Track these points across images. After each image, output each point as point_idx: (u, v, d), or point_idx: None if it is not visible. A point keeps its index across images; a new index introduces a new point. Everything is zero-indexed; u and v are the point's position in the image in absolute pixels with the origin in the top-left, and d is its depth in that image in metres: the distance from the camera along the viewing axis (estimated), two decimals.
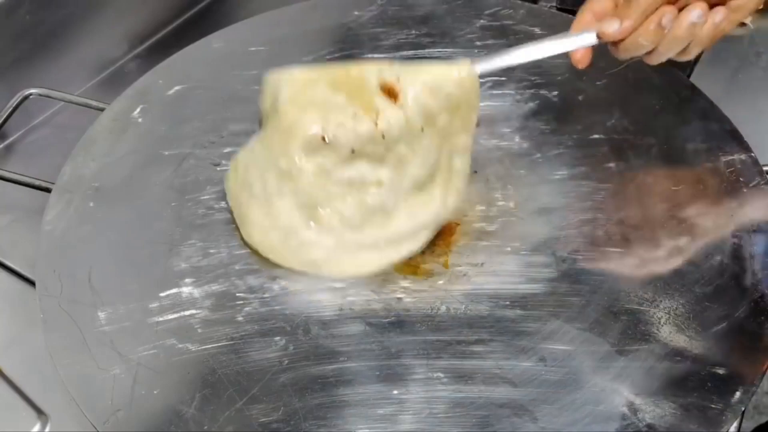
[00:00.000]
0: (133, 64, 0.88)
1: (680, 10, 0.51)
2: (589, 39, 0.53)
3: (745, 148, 0.63)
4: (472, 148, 0.58)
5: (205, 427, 0.49)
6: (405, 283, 0.56)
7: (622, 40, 0.52)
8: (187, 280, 0.57)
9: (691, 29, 0.51)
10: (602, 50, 0.57)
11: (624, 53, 0.53)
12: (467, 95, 0.56)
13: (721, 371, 0.50)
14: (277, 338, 0.53)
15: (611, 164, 0.63)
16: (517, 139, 0.65)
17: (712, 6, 0.51)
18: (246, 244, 0.58)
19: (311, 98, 0.55)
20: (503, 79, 0.70)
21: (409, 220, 0.57)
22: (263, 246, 0.58)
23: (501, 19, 0.76)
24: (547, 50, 0.55)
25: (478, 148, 0.65)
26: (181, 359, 0.53)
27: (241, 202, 0.59)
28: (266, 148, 0.57)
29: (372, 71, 0.56)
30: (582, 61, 0.54)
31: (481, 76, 0.56)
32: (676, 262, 0.56)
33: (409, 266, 0.58)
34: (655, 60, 0.54)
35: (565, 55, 0.72)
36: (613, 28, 0.51)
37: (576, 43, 0.54)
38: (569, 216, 0.60)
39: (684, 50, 0.53)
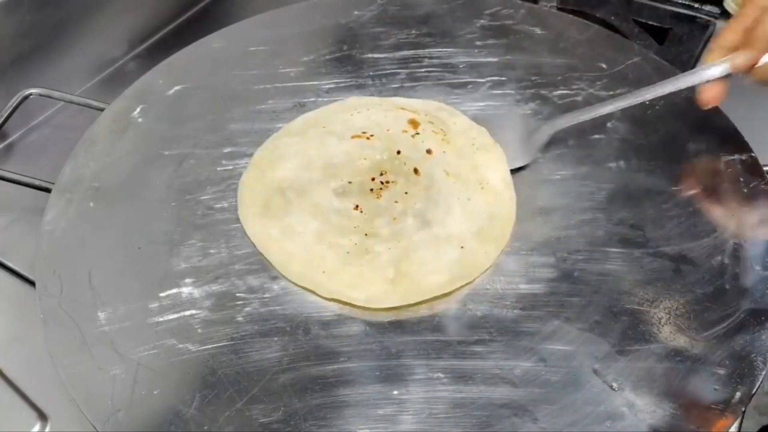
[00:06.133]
0: (133, 64, 0.88)
1: None
2: (722, 70, 0.56)
3: (745, 148, 0.63)
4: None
5: (205, 428, 0.49)
6: None
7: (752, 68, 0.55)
8: (187, 280, 0.57)
9: None
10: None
11: (762, 79, 0.56)
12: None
13: (721, 371, 0.50)
14: (277, 338, 0.53)
15: (611, 164, 0.63)
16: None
17: None
18: None
19: None
20: (503, 79, 0.70)
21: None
22: None
23: (501, 19, 0.76)
24: (680, 85, 0.58)
25: None
26: (181, 359, 0.53)
27: None
28: None
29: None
30: (713, 100, 0.57)
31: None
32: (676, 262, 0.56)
33: None
34: None
35: (565, 55, 0.72)
36: (740, 59, 0.55)
37: (709, 75, 0.57)
38: (569, 216, 0.60)
39: None
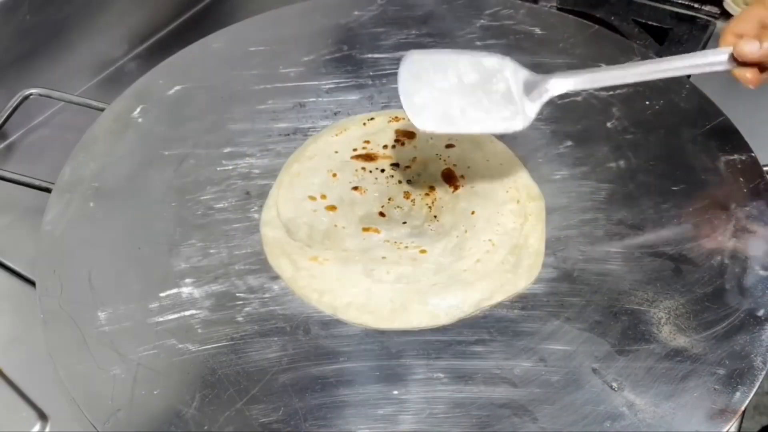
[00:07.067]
0: (133, 64, 0.88)
1: None
2: (722, 57, 0.51)
3: (745, 148, 0.63)
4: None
5: (205, 428, 0.49)
6: None
7: (759, 64, 0.49)
8: (187, 280, 0.57)
9: None
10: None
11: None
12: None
13: (721, 371, 0.50)
14: (277, 338, 0.53)
15: (611, 164, 0.63)
16: (517, 139, 0.65)
17: None
18: None
19: None
20: None
21: None
22: None
23: (501, 19, 0.76)
24: (676, 70, 0.54)
25: None
26: (181, 359, 0.53)
27: None
28: None
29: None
30: (752, 81, 0.52)
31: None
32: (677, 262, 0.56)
33: None
34: None
35: (565, 55, 0.72)
36: (751, 48, 0.49)
37: (707, 60, 0.51)
38: (569, 216, 0.60)
39: None
